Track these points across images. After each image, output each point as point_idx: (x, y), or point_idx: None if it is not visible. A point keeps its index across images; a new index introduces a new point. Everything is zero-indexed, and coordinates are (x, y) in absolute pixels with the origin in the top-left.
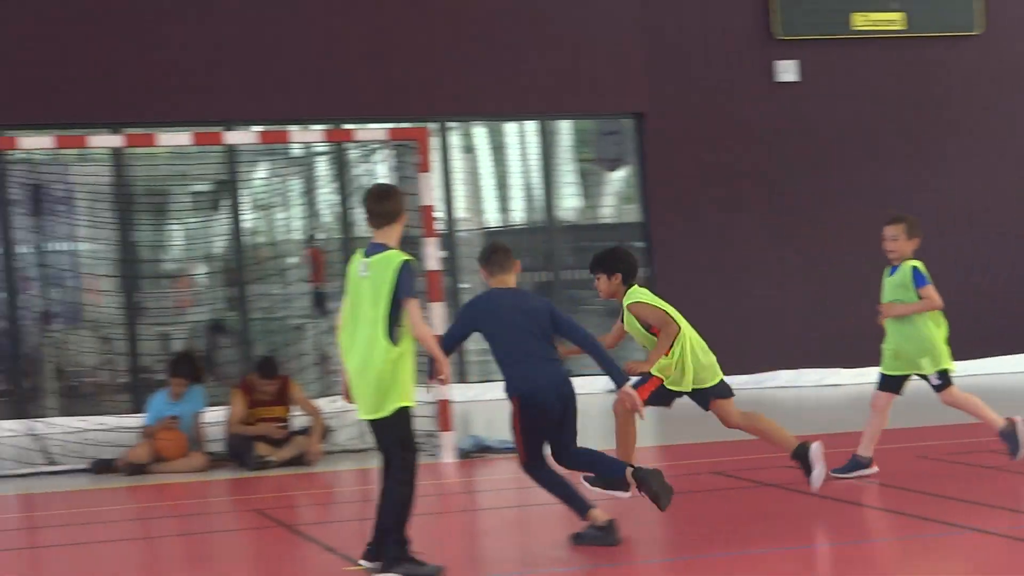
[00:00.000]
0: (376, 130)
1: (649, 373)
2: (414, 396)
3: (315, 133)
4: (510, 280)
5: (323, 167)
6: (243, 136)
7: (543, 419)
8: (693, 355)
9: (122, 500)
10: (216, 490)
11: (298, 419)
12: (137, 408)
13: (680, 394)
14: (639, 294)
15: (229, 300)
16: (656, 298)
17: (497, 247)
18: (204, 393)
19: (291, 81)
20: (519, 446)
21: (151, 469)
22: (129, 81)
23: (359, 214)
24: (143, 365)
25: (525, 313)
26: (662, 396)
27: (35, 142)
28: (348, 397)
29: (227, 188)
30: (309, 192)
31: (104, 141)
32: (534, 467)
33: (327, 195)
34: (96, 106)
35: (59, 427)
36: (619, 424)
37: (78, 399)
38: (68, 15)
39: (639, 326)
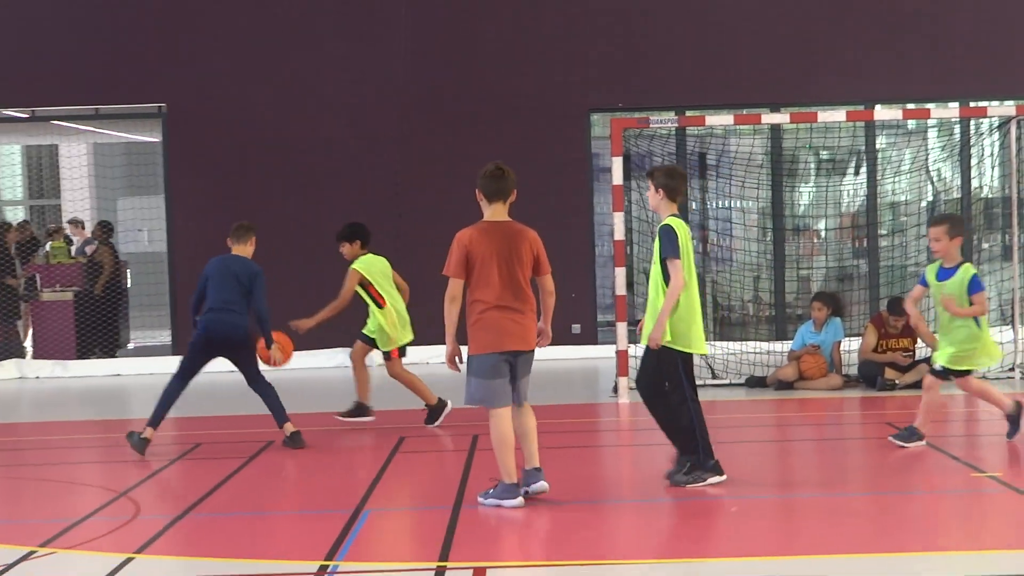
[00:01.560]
0: (1007, 106)
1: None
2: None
3: (951, 111)
4: (245, 250)
5: (944, 139)
6: (890, 114)
7: (208, 349)
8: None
9: (770, 410)
10: (849, 406)
11: (921, 350)
12: (780, 336)
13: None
14: (360, 262)
15: (857, 250)
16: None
17: (241, 225)
18: (841, 325)
19: (924, 62)
20: (183, 359)
21: (796, 386)
22: (788, 66)
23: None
24: (786, 301)
25: (235, 275)
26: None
27: (718, 120)
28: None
29: (859, 156)
30: (927, 161)
31: (772, 119)
32: (180, 377)
33: (947, 165)
34: (761, 89)
35: (721, 349)
36: (355, 368)
37: (733, 327)
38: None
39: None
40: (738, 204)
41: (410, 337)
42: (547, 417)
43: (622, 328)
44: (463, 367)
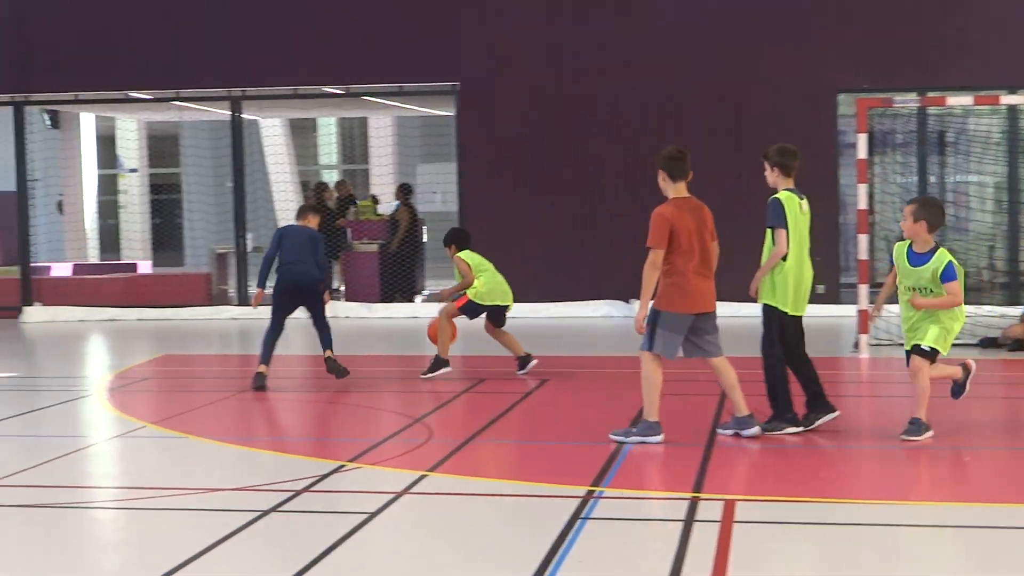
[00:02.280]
0: None
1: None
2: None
3: None
4: (311, 223)
5: None
6: None
7: (285, 295)
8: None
9: (1002, 369)
10: None
11: None
12: (1013, 301)
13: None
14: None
15: None
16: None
17: (303, 207)
18: None
19: None
20: (272, 310)
21: None
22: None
23: None
24: (1020, 268)
25: (307, 237)
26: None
27: (958, 100)
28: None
29: None
30: None
31: (1010, 100)
32: (273, 324)
33: None
34: (1000, 71)
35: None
36: (440, 324)
37: (968, 291)
38: None
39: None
40: (975, 179)
41: (507, 302)
42: None
43: (863, 289)
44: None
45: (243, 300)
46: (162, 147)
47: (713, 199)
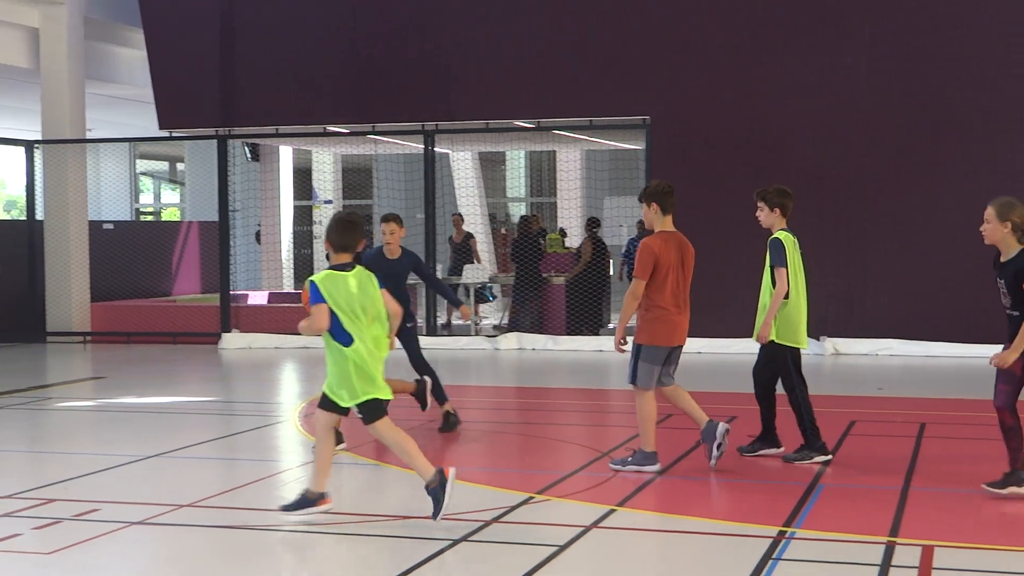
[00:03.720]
0: None
1: None
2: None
3: None
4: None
5: None
6: None
7: None
8: None
9: None
10: None
11: None
12: None
13: None
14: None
15: None
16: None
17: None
18: None
19: None
20: None
21: None
22: None
23: None
24: None
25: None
26: None
27: None
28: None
29: None
30: None
31: None
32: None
33: None
34: None
35: None
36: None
37: None
38: None
39: None
40: None
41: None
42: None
43: None
44: (626, 349)
45: (430, 330)
46: (356, 179)
47: (900, 233)
